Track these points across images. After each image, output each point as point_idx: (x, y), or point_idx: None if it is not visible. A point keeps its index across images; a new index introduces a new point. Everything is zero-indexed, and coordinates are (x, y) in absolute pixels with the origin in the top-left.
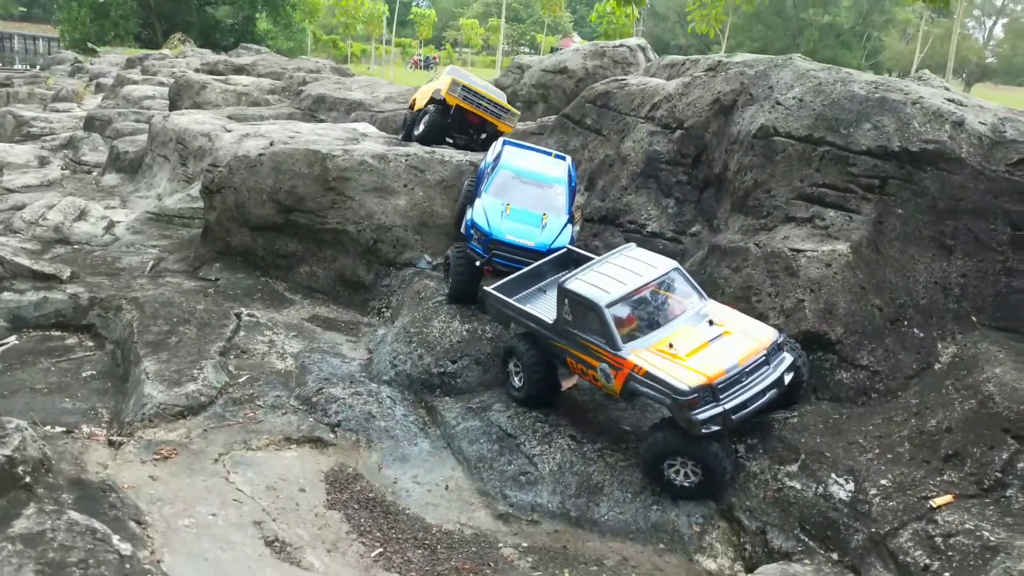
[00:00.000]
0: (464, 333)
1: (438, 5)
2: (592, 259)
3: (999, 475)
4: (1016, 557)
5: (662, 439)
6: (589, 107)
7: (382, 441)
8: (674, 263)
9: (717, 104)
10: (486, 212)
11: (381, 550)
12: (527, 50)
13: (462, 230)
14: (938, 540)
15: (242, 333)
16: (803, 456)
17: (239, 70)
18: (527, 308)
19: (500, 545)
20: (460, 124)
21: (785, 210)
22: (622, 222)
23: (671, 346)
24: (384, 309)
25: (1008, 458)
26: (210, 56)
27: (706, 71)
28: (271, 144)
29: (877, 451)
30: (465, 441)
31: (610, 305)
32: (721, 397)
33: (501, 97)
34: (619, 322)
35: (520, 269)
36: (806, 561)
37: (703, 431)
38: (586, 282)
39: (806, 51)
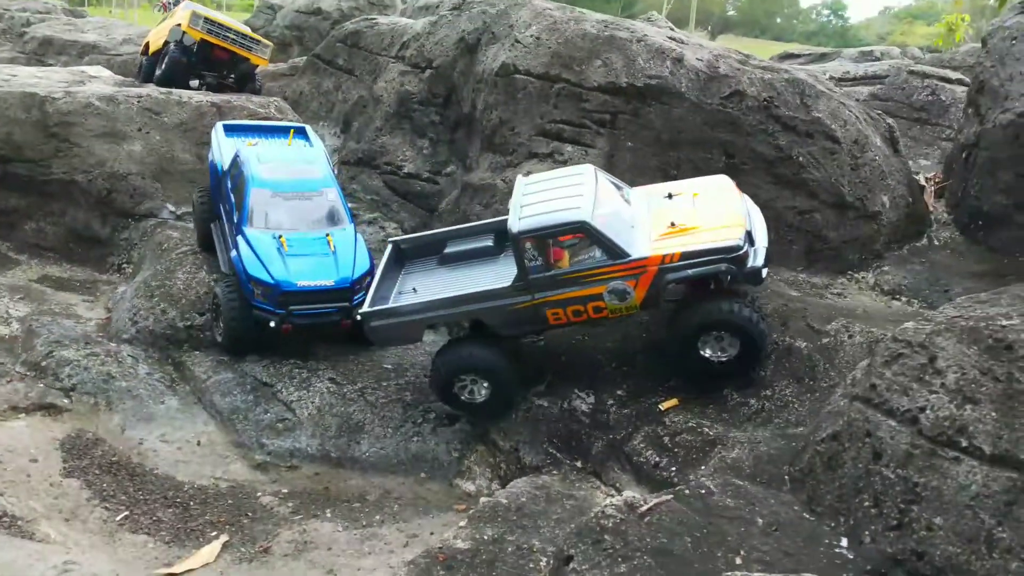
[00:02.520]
0: (212, 283)
1: None
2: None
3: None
4: (729, 446)
5: (697, 313)
6: (340, 47)
7: (124, 402)
8: (588, 165)
9: (463, 43)
10: (259, 255)
11: (127, 513)
12: None
13: (245, 291)
14: (666, 439)
15: None
16: (549, 376)
17: None
18: (451, 294)
19: (259, 494)
20: (207, 62)
21: (528, 146)
22: (379, 164)
23: (672, 224)
24: (125, 264)
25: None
26: None
27: (451, 10)
28: None
29: (614, 364)
30: (217, 394)
31: (593, 216)
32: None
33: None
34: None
35: (321, 317)
36: (554, 472)
37: (763, 278)
38: (540, 214)
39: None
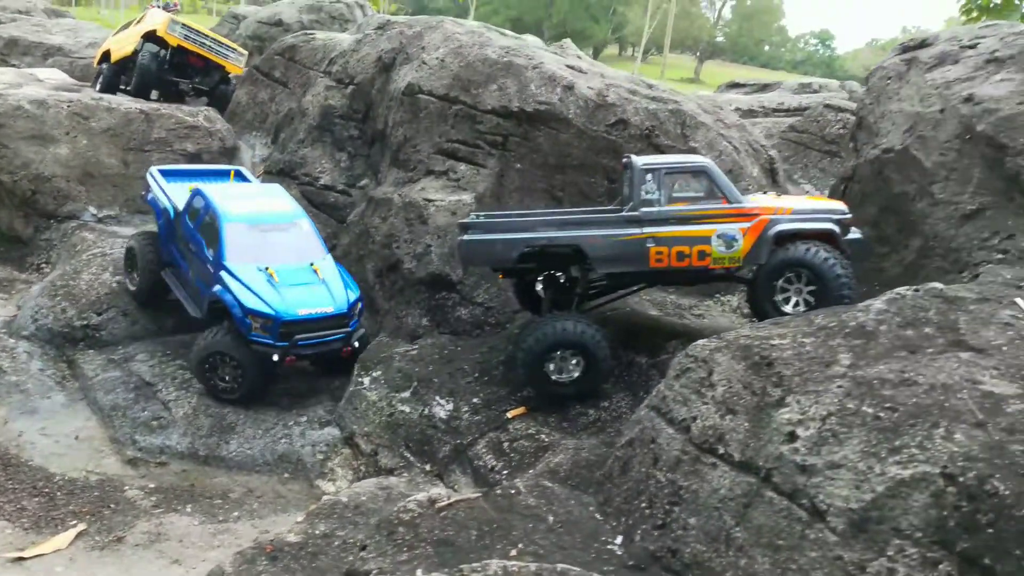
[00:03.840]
0: (114, 285)
1: None
2: None
3: None
4: (558, 452)
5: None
6: (278, 59)
7: (11, 396)
8: None
9: (380, 62)
10: (251, 288)
11: None
12: None
13: (241, 326)
14: (505, 445)
15: None
16: (415, 383)
17: None
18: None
19: (125, 488)
20: (180, 68)
21: (427, 164)
22: (298, 175)
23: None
24: (44, 264)
25: None
26: None
27: (376, 29)
28: None
29: (477, 375)
30: (101, 391)
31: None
32: None
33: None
34: None
35: (324, 345)
36: (404, 474)
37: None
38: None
39: (557, 22)
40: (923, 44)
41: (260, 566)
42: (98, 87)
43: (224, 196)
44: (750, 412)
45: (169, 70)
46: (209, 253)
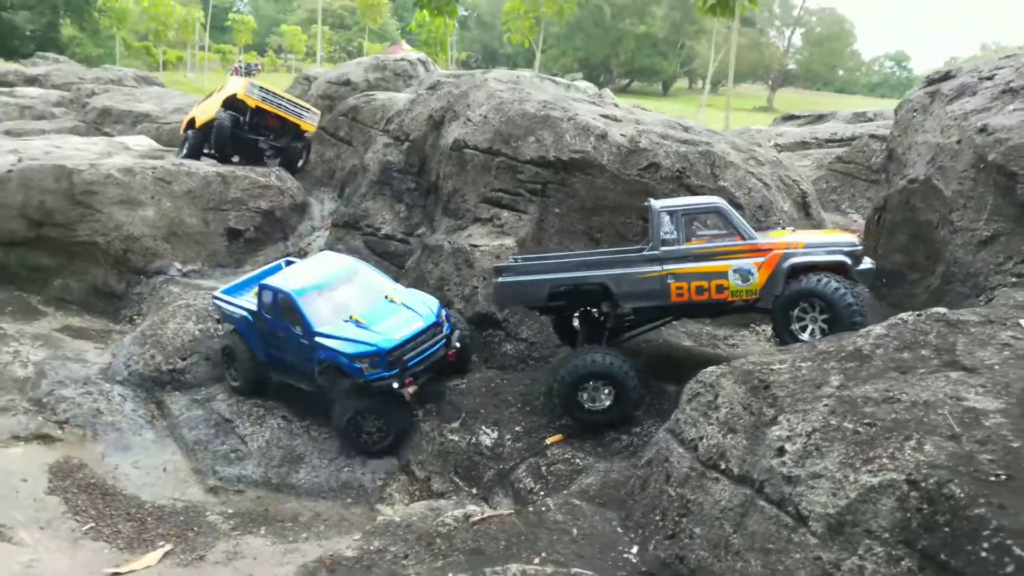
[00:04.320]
0: (196, 332)
1: (259, 12)
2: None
3: None
4: (590, 474)
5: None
6: (342, 120)
7: (108, 434)
8: None
9: (431, 119)
10: (347, 338)
11: (93, 525)
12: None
13: (354, 374)
14: (543, 469)
15: None
16: (464, 414)
17: (30, 80)
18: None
19: (207, 513)
20: (258, 128)
21: (474, 212)
22: (361, 226)
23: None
24: (136, 316)
25: None
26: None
27: (428, 89)
28: (19, 160)
29: (519, 405)
30: (186, 428)
31: (726, 206)
32: None
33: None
34: None
35: (432, 356)
36: (453, 497)
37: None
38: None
39: (624, 59)
40: (947, 76)
41: None
42: (183, 153)
43: (286, 279)
44: (748, 431)
45: (249, 131)
46: (298, 331)
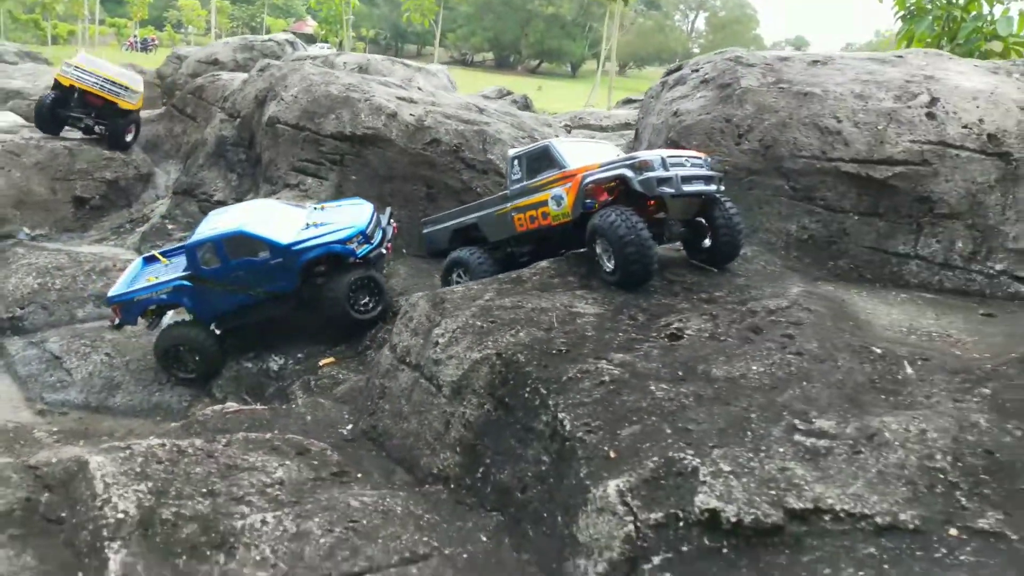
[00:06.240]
0: (36, 286)
1: None
2: None
3: (367, 343)
4: (347, 383)
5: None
6: (190, 97)
7: None
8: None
9: (257, 98)
10: (323, 234)
11: None
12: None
13: (345, 252)
14: (313, 383)
15: None
16: (259, 346)
17: None
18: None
19: (34, 431)
20: (83, 106)
21: (285, 179)
22: (197, 194)
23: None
24: None
25: (372, 332)
26: None
27: (258, 71)
28: None
29: (305, 337)
30: (20, 365)
31: (555, 143)
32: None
33: (129, 79)
34: None
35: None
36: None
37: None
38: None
39: (534, 40)
40: (677, 69)
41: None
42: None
43: (224, 224)
44: (424, 333)
45: (75, 107)
46: (264, 255)
